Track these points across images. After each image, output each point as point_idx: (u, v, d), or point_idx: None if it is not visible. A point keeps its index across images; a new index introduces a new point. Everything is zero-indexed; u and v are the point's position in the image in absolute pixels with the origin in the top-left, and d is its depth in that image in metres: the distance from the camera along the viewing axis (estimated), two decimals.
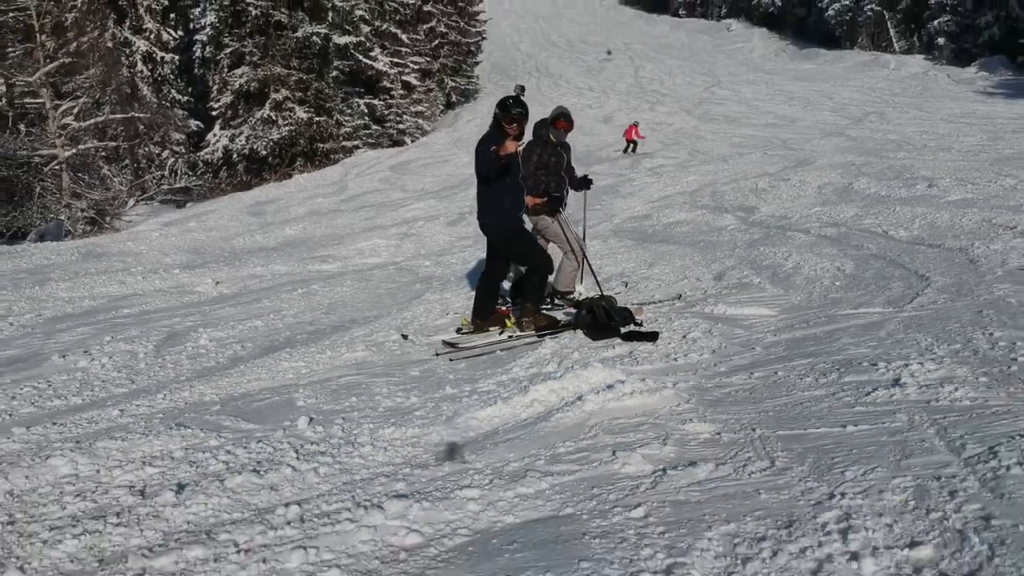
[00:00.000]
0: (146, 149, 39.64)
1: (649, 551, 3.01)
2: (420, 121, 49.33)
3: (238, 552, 3.29)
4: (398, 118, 47.17)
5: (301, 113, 39.71)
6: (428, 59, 56.13)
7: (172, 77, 43.13)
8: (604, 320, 6.58)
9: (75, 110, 30.43)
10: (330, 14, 40.27)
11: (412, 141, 46.76)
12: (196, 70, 46.09)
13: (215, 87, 41.98)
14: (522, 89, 6.91)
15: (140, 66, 40.97)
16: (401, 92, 48.51)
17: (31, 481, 4.17)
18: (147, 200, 35.90)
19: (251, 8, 38.23)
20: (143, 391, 6.04)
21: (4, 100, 40.51)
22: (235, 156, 40.30)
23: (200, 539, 3.42)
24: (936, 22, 68.30)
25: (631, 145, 32.72)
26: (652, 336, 6.28)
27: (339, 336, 7.55)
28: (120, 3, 41.15)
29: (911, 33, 74.12)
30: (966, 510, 3.03)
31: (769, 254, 9.70)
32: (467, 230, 15.99)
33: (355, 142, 42.69)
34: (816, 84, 57.74)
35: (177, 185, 38.43)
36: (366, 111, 44.50)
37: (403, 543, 3.30)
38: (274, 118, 39.71)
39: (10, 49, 37.51)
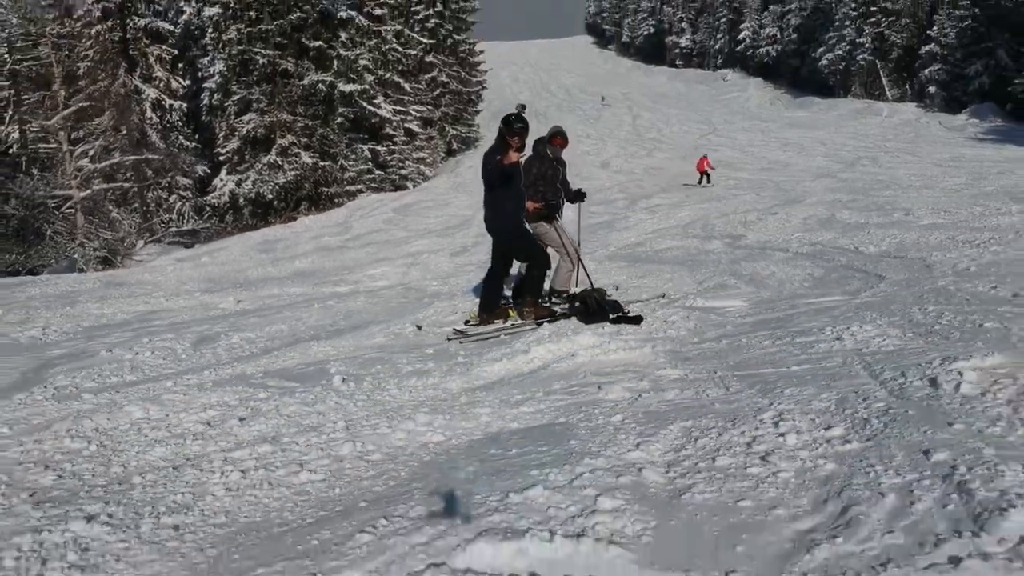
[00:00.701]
0: (154, 193, 40.66)
1: (623, 436, 3.86)
2: (422, 167, 50.45)
3: (300, 446, 4.12)
4: (400, 164, 48.27)
5: (306, 158, 40.76)
6: (430, 108, 57.43)
7: (180, 124, 44.26)
8: (595, 308, 7.47)
9: (91, 152, 31.48)
10: (335, 63, 41.47)
11: (414, 186, 47.82)
12: (203, 117, 47.21)
13: (221, 134, 43.06)
14: (523, 107, 8.01)
15: (149, 113, 42.08)
16: (403, 139, 49.68)
17: (112, 422, 4.97)
18: (155, 241, 36.84)
19: (259, 57, 39.41)
20: (189, 371, 6.86)
21: (17, 146, 41.71)
22: (241, 200, 41.27)
23: (267, 441, 4.25)
24: (927, 71, 69.76)
25: (704, 177, 33.84)
26: (637, 319, 7.15)
27: (359, 331, 8.40)
28: (131, 52, 42.38)
29: (903, 82, 75.63)
30: (873, 407, 3.87)
31: (748, 266, 10.59)
32: (471, 259, 16.86)
33: (358, 186, 43.72)
34: (810, 131, 58.97)
35: (185, 228, 39.39)
36: (369, 156, 45.62)
37: (430, 440, 4.15)
38: (280, 163, 40.74)
39: (25, 96, 38.78)
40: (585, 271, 8.71)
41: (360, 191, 43.77)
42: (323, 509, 3.41)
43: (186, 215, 41.09)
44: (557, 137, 8.82)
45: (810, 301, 7.24)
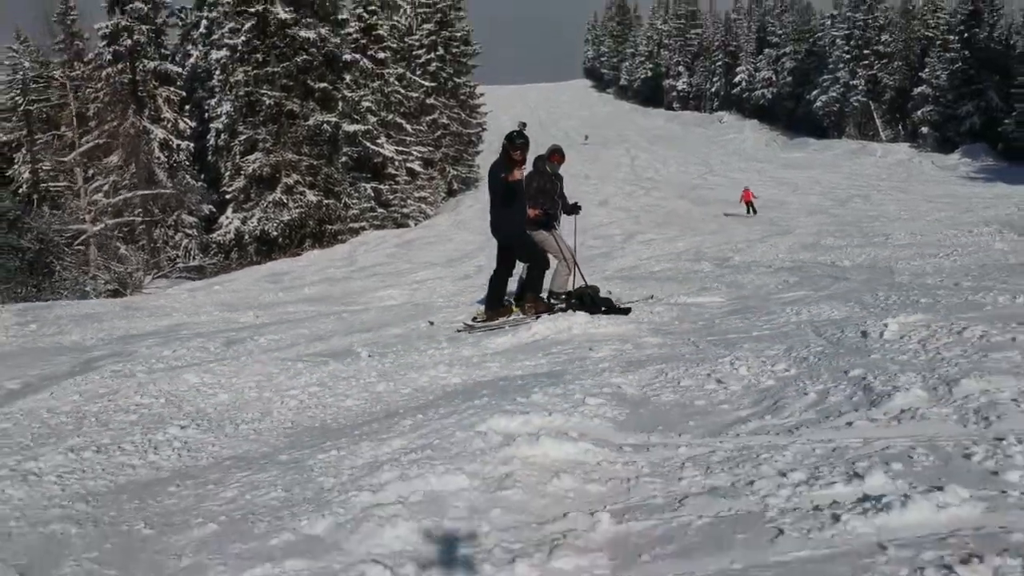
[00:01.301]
0: (161, 231, 41.63)
1: (608, 372, 4.71)
2: (423, 206, 51.54)
3: (343, 387, 4.97)
4: (403, 202, 49.34)
5: (311, 196, 41.74)
6: (431, 149, 58.62)
7: (187, 163, 45.30)
8: (589, 302, 8.35)
9: (104, 187, 32.50)
10: (340, 104, 42.60)
11: (416, 224, 48.82)
12: (209, 157, 48.26)
13: (227, 173, 44.09)
14: (524, 125, 8.89)
15: (157, 152, 43.13)
16: (405, 178, 50.79)
17: (173, 385, 5.78)
18: (162, 276, 37.73)
19: (265, 98, 40.52)
20: (228, 359, 7.68)
21: (26, 185, 42.75)
22: (247, 237, 42.19)
23: (314, 385, 5.11)
24: (920, 112, 71.16)
25: (750, 208, 35.23)
26: (626, 311, 8.02)
27: (377, 331, 9.25)
28: (140, 94, 43.54)
29: (896, 123, 77.07)
30: (812, 350, 4.73)
31: (732, 277, 11.49)
32: (475, 282, 17.71)
33: (361, 223, 44.69)
34: (805, 171, 60.08)
35: (191, 264, 40.29)
36: (372, 195, 46.67)
37: (450, 381, 5.01)
38: (285, 201, 41.72)
39: (38, 137, 39.88)
40: (580, 274, 9.58)
41: (363, 228, 44.72)
42: (369, 418, 4.26)
43: (192, 252, 42.02)
44: (555, 154, 9.83)
45: (780, 296, 8.12)
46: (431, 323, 9.20)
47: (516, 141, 8.44)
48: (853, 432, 3.22)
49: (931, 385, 3.60)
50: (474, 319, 9.12)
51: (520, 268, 9.47)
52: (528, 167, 9.22)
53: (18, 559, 2.97)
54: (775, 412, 3.55)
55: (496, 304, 8.98)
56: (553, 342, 6.20)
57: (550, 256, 9.47)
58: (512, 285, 9.62)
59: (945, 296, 6.03)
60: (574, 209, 9.97)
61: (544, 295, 9.37)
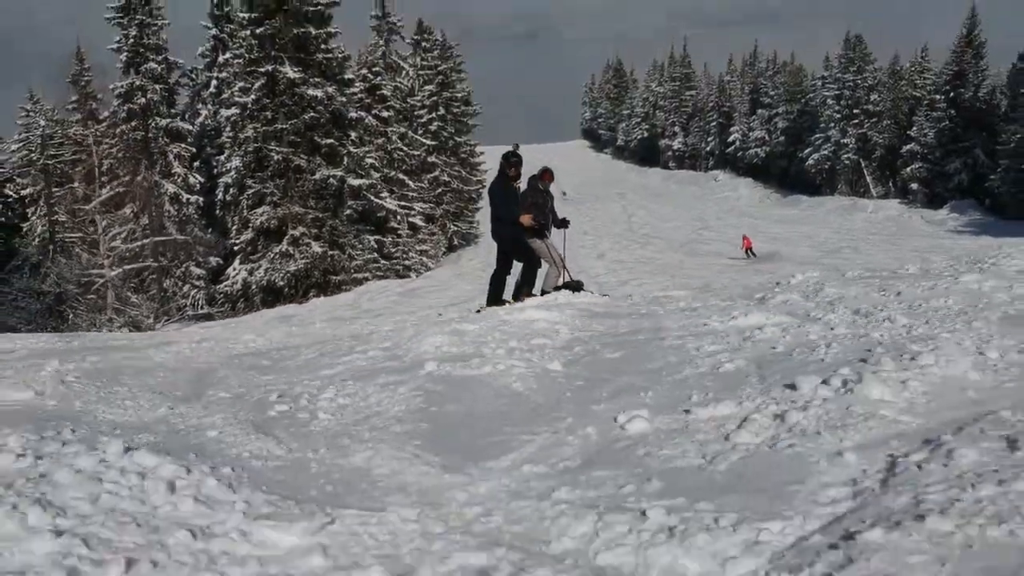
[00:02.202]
0: (169, 282, 42.91)
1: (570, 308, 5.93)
2: (424, 258, 52.93)
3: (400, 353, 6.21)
4: (404, 254, 50.74)
5: (316, 248, 43.05)
6: (432, 205, 60.20)
7: (196, 217, 46.73)
8: (575, 287, 9.74)
9: (122, 235, 33.91)
10: (345, 159, 44.13)
11: (417, 275, 50.12)
12: (217, 211, 49.69)
13: (234, 227, 45.47)
14: (517, 146, 10.28)
15: (167, 206, 44.60)
16: (408, 232, 52.25)
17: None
18: (174, 322, 38.94)
19: (273, 154, 42.01)
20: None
21: (39, 238, 44.14)
22: (253, 287, 43.41)
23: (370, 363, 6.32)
24: (909, 169, 72.91)
25: (748, 252, 38.75)
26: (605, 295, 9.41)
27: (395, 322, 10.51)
28: (152, 151, 45.12)
29: (887, 179, 78.80)
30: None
31: (703, 285, 12.73)
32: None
33: (365, 274, 45.95)
34: (798, 226, 61.51)
35: (200, 312, 41.50)
36: (375, 247, 48.05)
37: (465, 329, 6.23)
38: (291, 252, 43.02)
39: (56, 190, 41.36)
40: (568, 273, 10.89)
41: (366, 279, 45.99)
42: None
43: (199, 303, 43.25)
44: (546, 174, 11.26)
45: (740, 292, 9.35)
46: (439, 314, 10.49)
47: (511, 159, 9.94)
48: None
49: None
50: (477, 311, 10.41)
51: (515, 273, 10.75)
52: (523, 184, 10.62)
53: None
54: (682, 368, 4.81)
55: (496, 300, 10.32)
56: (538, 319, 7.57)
57: (542, 260, 10.80)
58: (509, 291, 10.90)
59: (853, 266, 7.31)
60: (563, 224, 11.35)
61: (537, 292, 10.64)
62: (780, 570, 2.57)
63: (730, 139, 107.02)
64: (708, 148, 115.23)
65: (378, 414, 4.51)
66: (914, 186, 71.94)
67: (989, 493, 2.70)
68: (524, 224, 10.45)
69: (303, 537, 3.00)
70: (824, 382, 4.08)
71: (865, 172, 79.97)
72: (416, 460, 3.93)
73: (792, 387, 4.11)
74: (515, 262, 10.64)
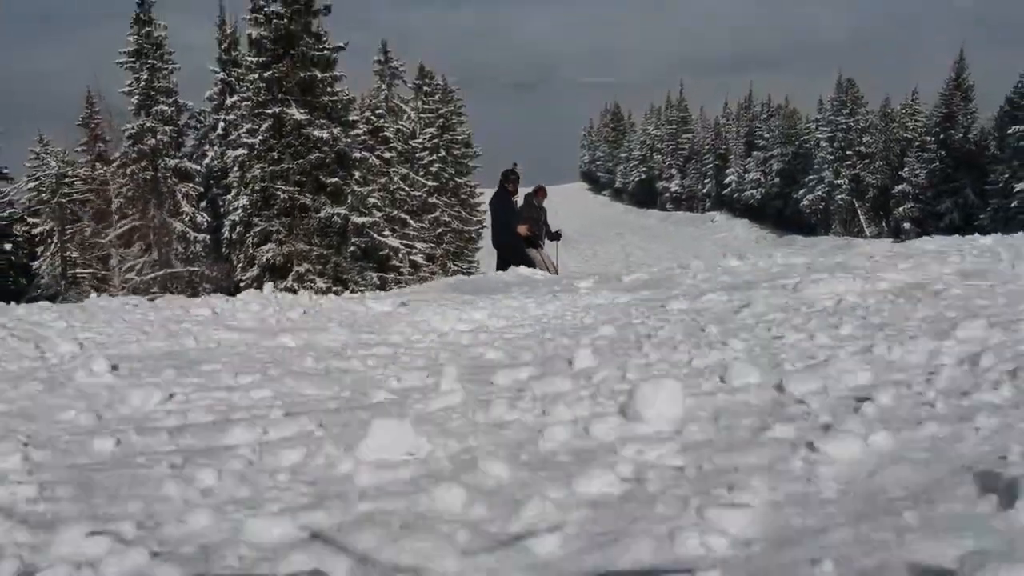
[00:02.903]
0: None
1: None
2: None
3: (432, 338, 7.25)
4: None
5: (320, 284, 44.07)
6: (432, 245, 61.41)
7: (203, 255, 47.87)
8: None
9: (137, 266, 35.07)
10: (349, 198, 45.33)
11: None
12: (223, 249, 50.82)
13: (239, 264, 46.56)
14: (516, 164, 11.44)
15: (175, 244, 45.77)
16: (409, 269, 53.38)
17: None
18: None
19: (280, 193, 43.19)
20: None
21: (48, 276, 45.21)
22: None
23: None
24: (902, 209, 74.22)
25: None
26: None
27: None
28: (161, 190, 46.33)
29: (880, 219, 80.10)
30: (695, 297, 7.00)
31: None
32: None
33: None
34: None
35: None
36: (378, 283, 49.07)
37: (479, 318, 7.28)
38: (296, 288, 44.07)
39: (68, 228, 42.53)
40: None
41: None
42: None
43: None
44: (540, 191, 12.50)
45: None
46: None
47: (511, 176, 11.26)
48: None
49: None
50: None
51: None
52: (520, 199, 11.87)
53: None
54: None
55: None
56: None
57: (537, 266, 11.98)
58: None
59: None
60: (555, 236, 12.59)
61: None
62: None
63: (726, 181, 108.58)
64: (705, 190, 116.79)
65: None
66: (906, 225, 73.08)
67: None
68: (521, 234, 11.66)
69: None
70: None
71: (859, 212, 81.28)
72: None
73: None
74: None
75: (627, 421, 3.57)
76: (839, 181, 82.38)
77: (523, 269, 10.31)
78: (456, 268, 66.27)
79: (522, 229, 11.87)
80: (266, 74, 41.23)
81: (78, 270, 38.77)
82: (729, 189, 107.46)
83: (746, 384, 4.06)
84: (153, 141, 44.47)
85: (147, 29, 42.84)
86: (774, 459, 2.98)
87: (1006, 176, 59.63)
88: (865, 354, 4.46)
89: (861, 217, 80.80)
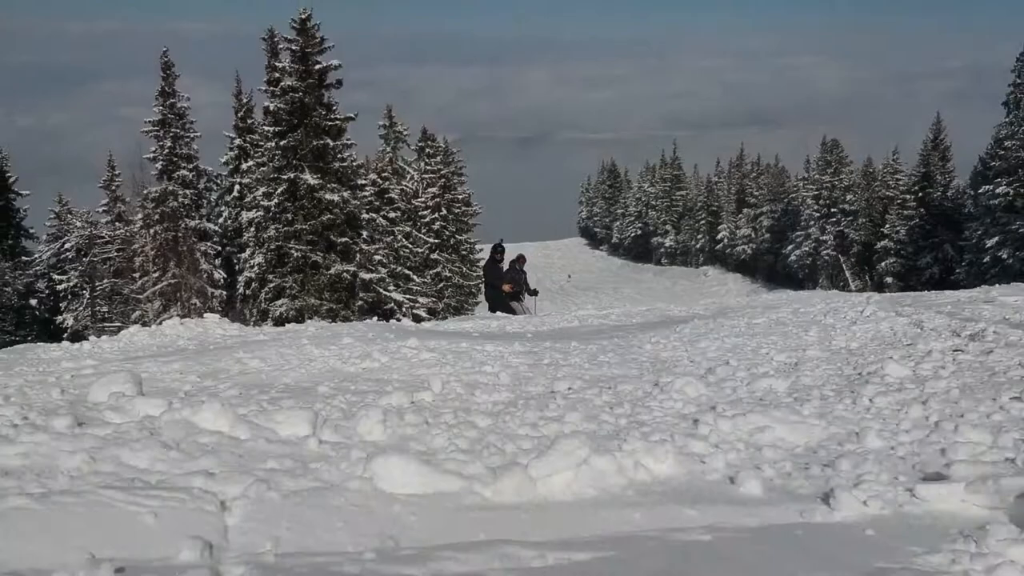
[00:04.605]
0: None
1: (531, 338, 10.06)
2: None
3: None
4: None
5: None
6: (434, 299, 64.51)
7: (219, 310, 50.92)
8: None
9: (170, 319, 38.20)
10: (357, 256, 48.55)
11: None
12: (237, 305, 53.91)
13: (252, 319, 49.59)
14: (502, 240, 14.77)
15: (194, 300, 48.89)
16: (411, 322, 56.42)
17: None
18: None
19: (293, 251, 46.38)
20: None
21: (71, 330, 48.21)
22: None
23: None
24: (884, 263, 77.49)
25: None
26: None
27: None
28: (180, 249, 49.56)
29: (864, 274, 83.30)
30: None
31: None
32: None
33: None
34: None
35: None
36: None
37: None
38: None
39: (98, 284, 45.68)
40: None
41: None
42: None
43: None
44: (521, 258, 15.95)
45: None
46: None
47: (498, 251, 14.64)
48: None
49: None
50: None
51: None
52: (506, 264, 15.31)
53: None
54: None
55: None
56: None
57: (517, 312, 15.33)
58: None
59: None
60: (534, 292, 16.03)
61: None
62: None
63: (719, 236, 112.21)
64: (698, 245, 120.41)
65: None
66: (889, 280, 76.36)
67: None
68: (506, 291, 15.19)
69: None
70: None
71: (844, 267, 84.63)
72: None
73: None
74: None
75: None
76: (824, 237, 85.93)
77: (500, 313, 13.99)
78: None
79: (506, 287, 15.69)
80: (282, 142, 44.59)
81: (105, 323, 41.84)
82: (722, 244, 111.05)
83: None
84: (175, 203, 47.73)
85: (171, 101, 46.23)
86: None
87: (979, 233, 62.72)
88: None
89: (846, 272, 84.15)
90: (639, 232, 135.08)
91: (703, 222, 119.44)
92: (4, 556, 3.19)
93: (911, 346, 7.99)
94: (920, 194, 74.65)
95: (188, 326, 14.06)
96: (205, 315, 17.61)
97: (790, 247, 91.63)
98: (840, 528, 3.79)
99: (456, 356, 9.24)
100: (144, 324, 41.14)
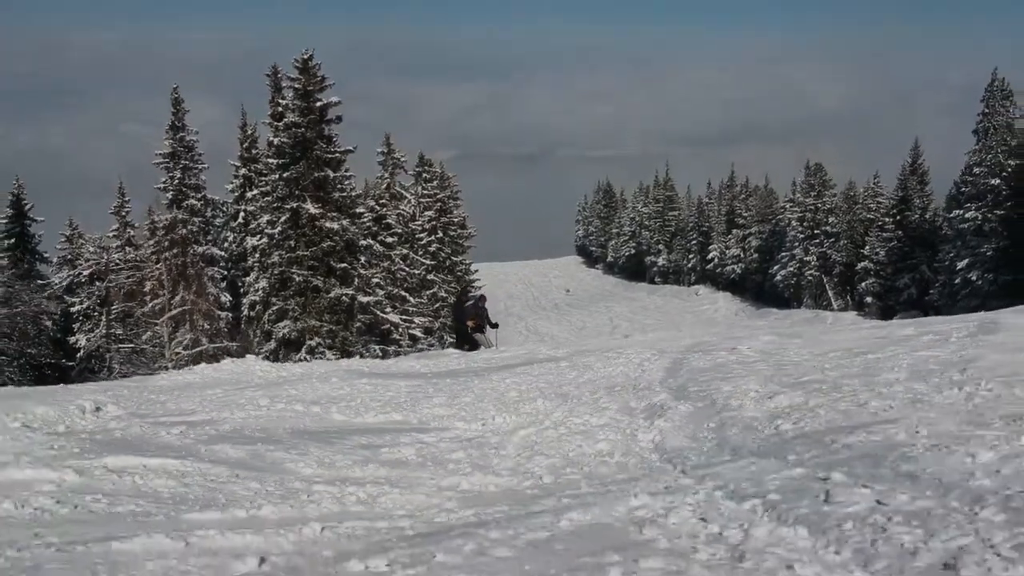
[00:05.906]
0: None
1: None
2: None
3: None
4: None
5: (330, 356, 49.84)
6: (430, 319, 67.25)
7: (225, 331, 53.71)
8: None
9: (184, 343, 41.06)
10: (356, 280, 51.36)
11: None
12: (242, 326, 56.66)
13: (255, 340, 52.34)
14: (468, 286, 17.70)
15: (201, 322, 51.67)
16: (408, 343, 59.24)
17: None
18: None
19: (295, 276, 49.18)
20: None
21: (84, 351, 51.01)
22: None
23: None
24: (864, 284, 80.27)
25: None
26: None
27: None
28: (188, 274, 52.37)
29: (846, 294, 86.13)
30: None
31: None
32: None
33: None
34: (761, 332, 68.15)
35: None
36: (380, 355, 54.81)
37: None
38: (308, 360, 49.85)
39: (114, 307, 48.54)
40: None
41: None
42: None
43: None
44: (482, 299, 18.85)
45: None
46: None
47: (465, 293, 17.52)
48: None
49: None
50: None
51: None
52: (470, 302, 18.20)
53: None
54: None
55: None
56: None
57: (482, 346, 18.10)
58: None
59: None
60: (495, 325, 18.92)
61: None
62: None
63: (709, 256, 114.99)
64: (690, 264, 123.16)
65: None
66: (869, 299, 79.20)
67: None
68: (470, 326, 18.04)
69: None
70: None
71: (827, 287, 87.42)
72: None
73: None
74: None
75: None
76: (808, 258, 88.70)
77: (466, 347, 16.99)
78: (452, 340, 72.08)
79: (471, 323, 18.40)
80: (285, 174, 47.45)
81: (120, 345, 44.71)
82: (712, 264, 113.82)
83: None
84: (184, 231, 50.58)
85: (181, 134, 49.15)
86: None
87: (951, 255, 65.51)
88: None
89: (829, 292, 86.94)
90: (633, 251, 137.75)
91: (694, 242, 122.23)
92: None
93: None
94: (898, 217, 77.47)
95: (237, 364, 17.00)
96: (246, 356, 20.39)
97: (776, 267, 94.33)
98: None
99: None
100: (157, 346, 44.21)
